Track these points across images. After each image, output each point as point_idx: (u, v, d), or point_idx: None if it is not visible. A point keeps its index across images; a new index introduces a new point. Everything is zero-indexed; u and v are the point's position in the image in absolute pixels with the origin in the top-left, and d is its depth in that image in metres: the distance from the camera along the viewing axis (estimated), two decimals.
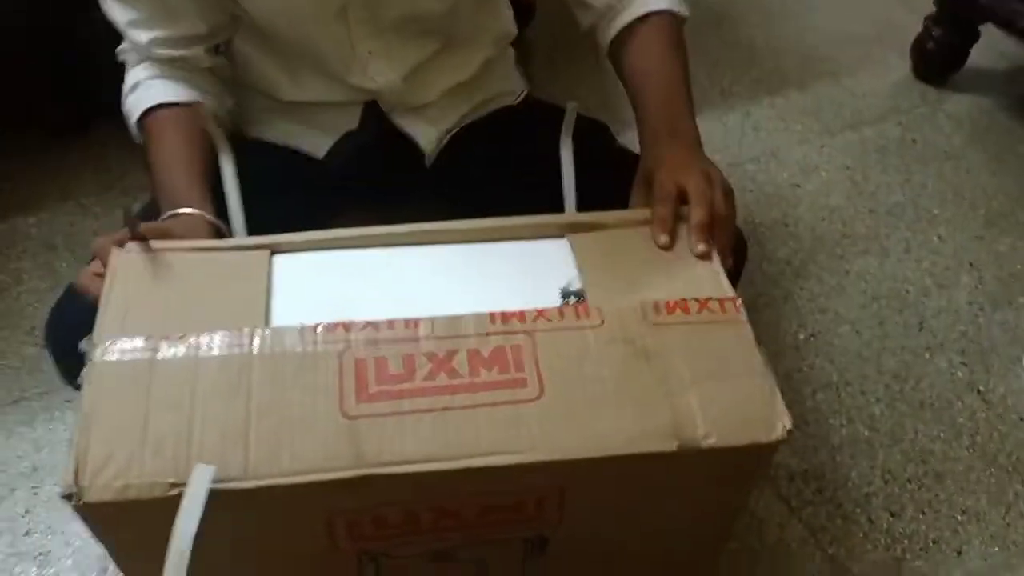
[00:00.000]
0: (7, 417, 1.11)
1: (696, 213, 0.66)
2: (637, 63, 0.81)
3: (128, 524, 0.52)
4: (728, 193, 0.70)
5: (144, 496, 0.50)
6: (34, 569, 0.97)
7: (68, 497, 0.50)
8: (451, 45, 0.83)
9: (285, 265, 0.63)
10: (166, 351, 0.55)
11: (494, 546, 0.62)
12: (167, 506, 0.50)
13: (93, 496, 0.50)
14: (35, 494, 1.03)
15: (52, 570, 0.97)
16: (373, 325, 0.56)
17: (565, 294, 0.63)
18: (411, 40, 0.79)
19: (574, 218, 0.69)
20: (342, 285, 0.62)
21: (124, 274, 0.60)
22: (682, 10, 0.84)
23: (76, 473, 0.50)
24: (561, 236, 0.67)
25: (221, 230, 0.71)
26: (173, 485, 0.50)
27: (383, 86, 0.80)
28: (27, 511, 1.02)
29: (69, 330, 0.59)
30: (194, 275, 0.61)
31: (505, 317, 0.58)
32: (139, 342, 0.55)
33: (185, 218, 0.70)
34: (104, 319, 0.57)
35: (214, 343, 0.55)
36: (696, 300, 0.60)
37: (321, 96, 0.82)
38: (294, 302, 0.60)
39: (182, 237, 0.66)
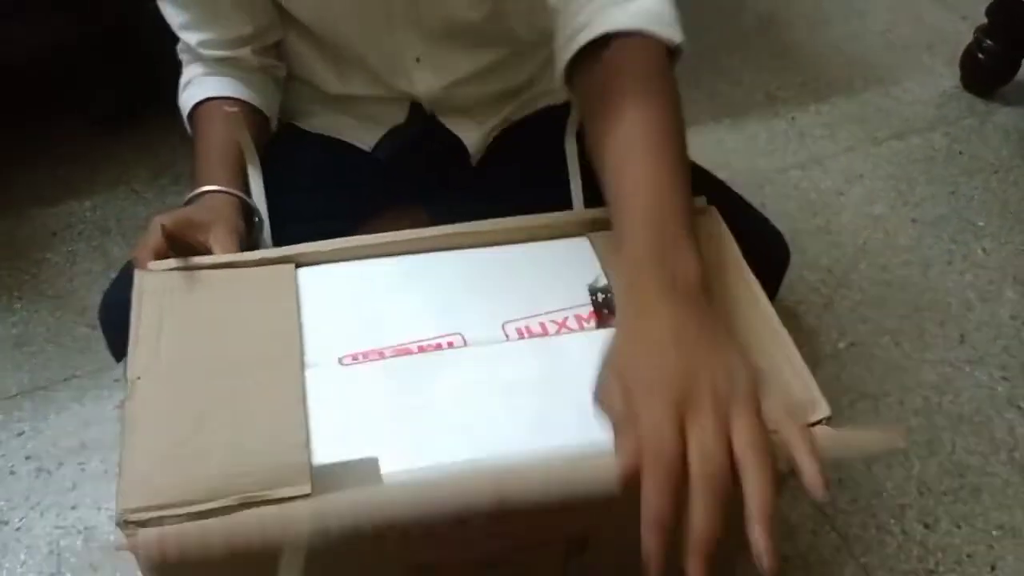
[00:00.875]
0: (58, 394, 1.14)
1: (695, 521, 0.41)
2: (604, 132, 0.59)
3: None
4: (740, 398, 0.45)
5: None
6: (79, 543, 1.00)
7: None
8: (510, 56, 0.84)
9: (311, 278, 0.62)
10: None
11: (538, 549, 0.62)
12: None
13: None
14: (82, 470, 1.06)
15: (96, 545, 1.00)
16: None
17: (593, 291, 0.63)
18: (463, 50, 0.80)
19: (592, 215, 0.67)
20: (370, 297, 0.62)
21: (152, 296, 0.59)
22: (664, 31, 0.61)
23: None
24: (581, 235, 0.67)
25: (248, 205, 0.72)
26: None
27: (423, 93, 0.81)
28: (74, 486, 1.05)
29: (123, 308, 0.61)
30: (222, 294, 0.60)
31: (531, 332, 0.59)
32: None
33: (208, 197, 0.70)
34: (137, 345, 0.56)
35: None
36: None
37: (368, 91, 0.83)
38: (324, 317, 0.60)
39: (206, 222, 0.66)
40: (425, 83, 0.81)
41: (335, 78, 0.83)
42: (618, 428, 0.46)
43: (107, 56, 1.40)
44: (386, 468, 0.52)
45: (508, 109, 0.87)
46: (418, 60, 0.79)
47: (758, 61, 1.70)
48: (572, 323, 0.61)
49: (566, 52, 0.63)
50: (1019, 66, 1.61)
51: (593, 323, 0.61)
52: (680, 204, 0.55)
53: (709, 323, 0.50)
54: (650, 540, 0.41)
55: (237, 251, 0.65)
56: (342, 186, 0.84)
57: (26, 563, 0.98)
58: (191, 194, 0.71)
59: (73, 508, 1.03)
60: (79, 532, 1.01)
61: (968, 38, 1.63)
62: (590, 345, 0.59)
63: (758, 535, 0.41)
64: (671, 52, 0.62)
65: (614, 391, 0.47)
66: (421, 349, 0.59)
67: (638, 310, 0.51)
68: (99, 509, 1.03)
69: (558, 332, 0.60)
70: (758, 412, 0.45)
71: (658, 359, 0.47)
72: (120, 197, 1.39)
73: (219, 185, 0.71)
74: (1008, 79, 1.63)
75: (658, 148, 0.57)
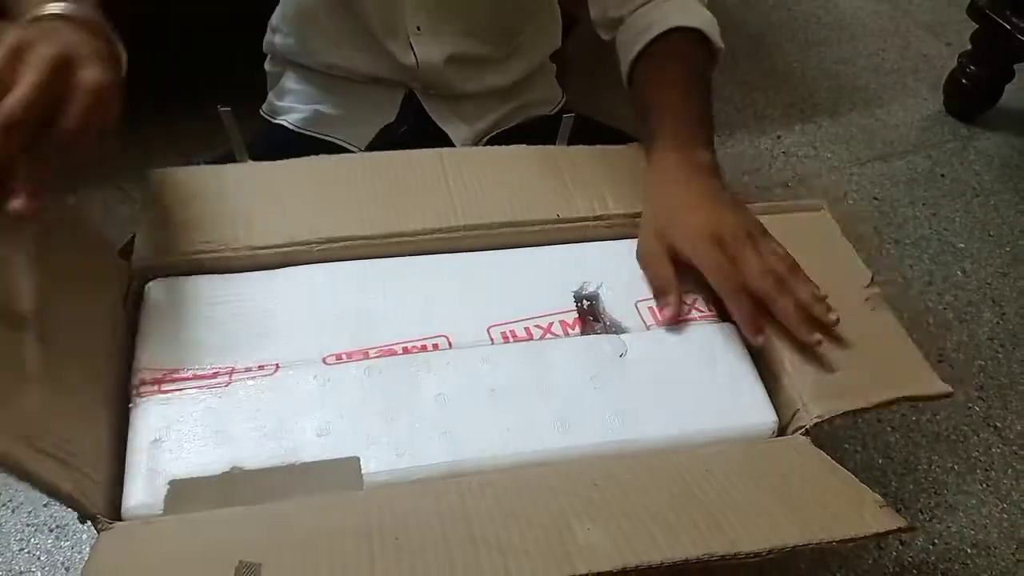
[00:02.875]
0: None
1: (780, 307, 0.59)
2: (649, 81, 0.73)
3: None
4: (763, 235, 0.63)
5: None
6: (51, 541, 0.99)
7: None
8: (501, 54, 0.84)
9: (297, 277, 0.63)
10: None
11: None
12: None
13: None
14: None
15: (68, 543, 0.99)
16: None
17: (578, 297, 0.64)
18: (461, 32, 0.81)
19: (578, 223, 0.68)
20: (356, 297, 0.62)
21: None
22: (714, 36, 0.74)
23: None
24: (568, 241, 0.68)
25: (112, 42, 0.56)
26: None
27: (422, 62, 0.81)
28: None
29: None
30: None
31: (516, 337, 0.60)
32: None
33: (54, 24, 0.51)
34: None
35: None
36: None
37: (362, 66, 0.83)
38: (310, 316, 0.60)
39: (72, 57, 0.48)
40: (424, 53, 0.81)
41: (334, 48, 0.82)
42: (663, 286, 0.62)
43: None
44: (367, 468, 0.52)
45: (498, 113, 0.88)
46: (419, 29, 0.80)
47: (747, 81, 1.72)
48: (557, 328, 0.61)
49: (639, 41, 0.73)
50: (1002, 92, 1.63)
51: (578, 329, 0.62)
52: (700, 121, 0.68)
53: (721, 191, 0.64)
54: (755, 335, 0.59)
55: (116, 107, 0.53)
56: None
57: None
58: (33, 15, 0.52)
59: (46, 505, 1.01)
60: (51, 530, 1.00)
61: (952, 63, 1.65)
62: (574, 351, 0.59)
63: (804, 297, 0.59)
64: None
65: (657, 252, 0.62)
66: (406, 350, 0.59)
67: (665, 184, 0.66)
68: None
69: (543, 337, 0.61)
70: (769, 237, 0.62)
71: (695, 216, 0.62)
72: (107, 194, 1.38)
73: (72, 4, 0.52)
74: (991, 105, 1.65)
75: (690, 90, 0.70)
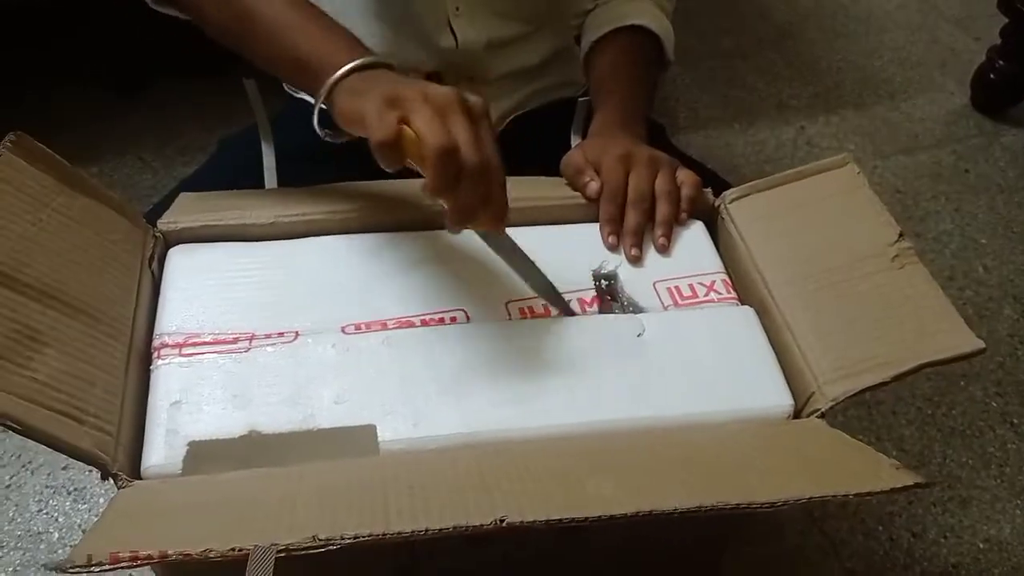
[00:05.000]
0: None
1: (629, 217, 0.66)
2: (601, 70, 0.82)
3: None
4: (669, 165, 0.69)
5: None
6: (69, 503, 1.00)
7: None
8: (533, 31, 0.84)
9: (320, 248, 0.63)
10: None
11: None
12: None
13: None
14: None
15: (86, 506, 1.00)
16: None
17: (597, 276, 0.64)
18: (498, 12, 0.81)
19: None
20: (377, 269, 0.62)
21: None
22: (669, 47, 0.83)
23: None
24: (588, 221, 0.68)
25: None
26: None
27: (463, 46, 0.81)
28: None
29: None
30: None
31: (533, 313, 0.60)
32: None
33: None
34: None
35: None
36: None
37: (395, 54, 0.83)
38: (330, 286, 0.61)
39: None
40: (464, 35, 0.80)
41: (367, 36, 0.82)
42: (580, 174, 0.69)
43: (122, 24, 1.40)
44: (383, 436, 0.52)
45: (522, 93, 0.88)
46: (457, 10, 0.79)
47: (773, 70, 1.71)
48: (575, 306, 0.62)
49: (602, 28, 0.82)
50: None
51: (595, 308, 0.62)
52: (642, 102, 0.80)
53: (645, 143, 0.72)
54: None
55: None
56: (352, 162, 0.84)
57: (14, 520, 0.98)
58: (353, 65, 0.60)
59: (64, 468, 1.03)
60: (69, 493, 1.01)
61: (980, 58, 1.63)
62: (591, 329, 0.59)
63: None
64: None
65: (580, 161, 0.69)
66: (424, 323, 0.59)
67: (598, 134, 0.74)
68: (90, 470, 1.02)
69: (560, 314, 0.61)
70: (673, 174, 0.69)
71: (612, 142, 0.71)
72: (127, 165, 1.39)
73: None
74: (1018, 100, 1.63)
75: (636, 73, 0.81)
